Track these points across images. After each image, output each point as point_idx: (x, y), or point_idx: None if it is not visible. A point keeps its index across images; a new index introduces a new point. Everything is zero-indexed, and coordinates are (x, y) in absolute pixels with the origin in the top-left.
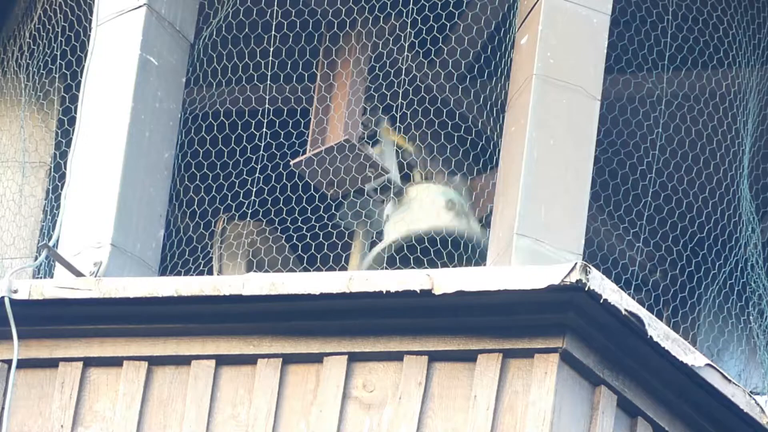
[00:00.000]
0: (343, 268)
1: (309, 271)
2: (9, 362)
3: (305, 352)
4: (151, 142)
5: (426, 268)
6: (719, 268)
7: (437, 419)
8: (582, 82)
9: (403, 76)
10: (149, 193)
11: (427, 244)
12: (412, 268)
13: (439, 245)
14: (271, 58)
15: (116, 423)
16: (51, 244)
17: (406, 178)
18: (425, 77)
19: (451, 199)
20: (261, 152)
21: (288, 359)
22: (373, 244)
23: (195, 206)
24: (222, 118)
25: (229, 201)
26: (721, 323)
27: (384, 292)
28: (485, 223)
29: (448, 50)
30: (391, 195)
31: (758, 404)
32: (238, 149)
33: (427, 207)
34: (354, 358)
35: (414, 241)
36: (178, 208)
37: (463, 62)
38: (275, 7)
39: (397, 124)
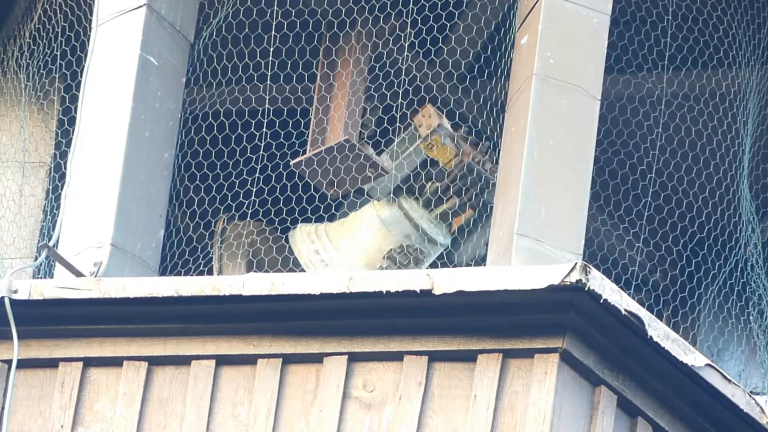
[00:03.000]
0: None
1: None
2: (9, 362)
3: (305, 352)
4: (151, 142)
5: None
6: (719, 268)
7: (437, 419)
8: (582, 82)
9: (403, 76)
10: (149, 193)
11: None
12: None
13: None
14: (271, 58)
15: (116, 423)
16: (51, 244)
17: (412, 188)
18: (425, 77)
19: (404, 246)
20: (261, 152)
21: (288, 359)
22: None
23: (195, 206)
24: (222, 118)
25: (229, 201)
26: (721, 323)
27: (384, 292)
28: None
29: (448, 50)
30: (391, 195)
31: (758, 404)
32: (238, 149)
33: (372, 248)
34: (354, 358)
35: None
36: (178, 208)
37: (463, 62)
38: (275, 7)
39: (455, 142)
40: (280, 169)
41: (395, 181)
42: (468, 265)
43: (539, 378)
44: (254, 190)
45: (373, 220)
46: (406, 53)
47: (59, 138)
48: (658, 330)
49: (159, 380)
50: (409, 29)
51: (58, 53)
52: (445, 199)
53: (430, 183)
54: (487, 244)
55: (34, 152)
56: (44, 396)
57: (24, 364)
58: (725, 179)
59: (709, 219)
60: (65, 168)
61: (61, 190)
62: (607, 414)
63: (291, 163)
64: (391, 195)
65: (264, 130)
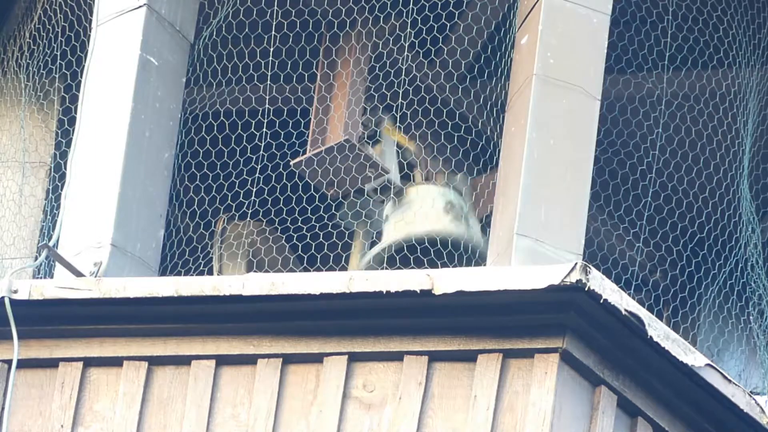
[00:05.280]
0: (343, 268)
1: (309, 271)
2: (9, 362)
3: (305, 352)
4: (151, 142)
5: (426, 268)
6: (719, 268)
7: (437, 419)
8: (582, 82)
9: (403, 76)
10: (149, 193)
11: (427, 244)
12: (412, 268)
13: (438, 247)
14: (271, 58)
15: (116, 423)
16: (51, 244)
17: (406, 178)
18: (425, 77)
19: (450, 201)
20: (261, 152)
21: (288, 359)
22: (373, 244)
23: (195, 206)
24: (222, 118)
25: (229, 201)
26: (721, 323)
27: (384, 292)
28: (485, 222)
29: (448, 50)
30: (391, 195)
31: (758, 404)
32: (238, 149)
33: (426, 209)
34: (354, 358)
35: (414, 242)
36: (178, 208)
37: (463, 62)
38: (275, 7)
39: (398, 123)
40: (280, 169)
41: (395, 181)
42: (474, 258)
43: (539, 378)
44: (254, 190)
45: (411, 199)
46: (406, 53)
47: (59, 138)
48: (658, 330)
49: (159, 380)
50: (409, 29)
51: (58, 53)
52: (432, 178)
53: (415, 170)
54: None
55: (34, 152)
56: (44, 396)
57: (24, 364)
58: (725, 179)
59: (709, 219)
60: (65, 168)
61: (61, 190)
62: (607, 414)
63: (291, 163)
64: (392, 195)
65: (264, 130)
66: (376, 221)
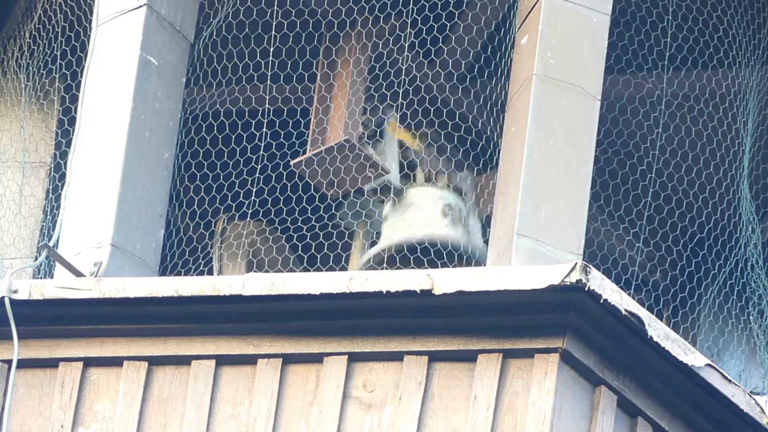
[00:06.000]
0: (343, 268)
1: (309, 271)
2: (9, 362)
3: (305, 352)
4: (151, 142)
5: (426, 268)
6: (719, 268)
7: (437, 419)
8: (582, 82)
9: (403, 76)
10: (149, 193)
11: (422, 249)
12: (412, 268)
13: (433, 252)
14: (271, 58)
15: (116, 423)
16: (51, 244)
17: (406, 178)
18: (425, 77)
19: (449, 204)
20: (261, 152)
21: (288, 359)
22: (373, 244)
23: (195, 206)
24: (222, 118)
25: (229, 201)
26: (721, 323)
27: (384, 292)
28: (485, 222)
29: (448, 50)
30: (391, 195)
31: (758, 404)
32: (238, 149)
33: (423, 213)
34: (354, 358)
35: (408, 248)
36: (178, 208)
37: (463, 62)
38: (275, 7)
39: (401, 121)
40: (280, 169)
41: (395, 180)
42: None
43: (539, 378)
44: (254, 190)
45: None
46: (406, 53)
47: (59, 138)
48: (658, 330)
49: (159, 380)
50: (409, 29)
51: (58, 53)
52: (433, 178)
53: (416, 170)
54: (486, 241)
55: (34, 152)
56: (44, 396)
57: (24, 364)
58: (725, 179)
59: (709, 219)
60: (65, 168)
61: (61, 190)
62: (607, 414)
63: (291, 163)
64: (392, 196)
65: (264, 130)
66: (376, 221)
